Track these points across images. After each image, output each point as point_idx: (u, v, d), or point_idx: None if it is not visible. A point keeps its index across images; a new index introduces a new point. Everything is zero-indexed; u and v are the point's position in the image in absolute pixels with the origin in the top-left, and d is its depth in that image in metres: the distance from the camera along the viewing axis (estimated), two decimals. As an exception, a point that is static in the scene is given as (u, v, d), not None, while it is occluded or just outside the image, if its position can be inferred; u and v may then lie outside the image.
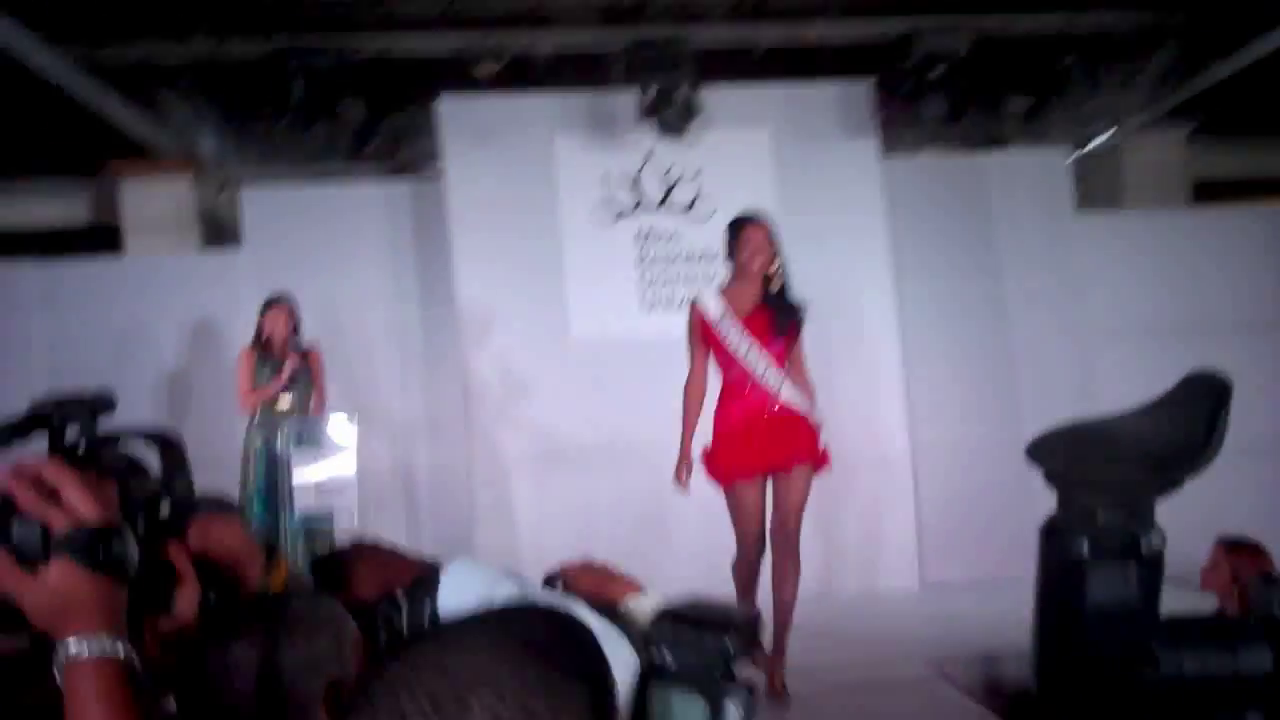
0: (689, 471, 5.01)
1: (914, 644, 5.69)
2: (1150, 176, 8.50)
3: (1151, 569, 1.04)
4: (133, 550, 1.10)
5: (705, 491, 5.04)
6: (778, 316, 4.97)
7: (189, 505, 1.28)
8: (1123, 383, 6.72)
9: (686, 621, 0.95)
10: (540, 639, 0.78)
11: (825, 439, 5.02)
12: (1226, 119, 8.47)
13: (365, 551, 1.63)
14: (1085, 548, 1.06)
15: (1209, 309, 7.76)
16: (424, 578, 1.57)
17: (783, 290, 5.02)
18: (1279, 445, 7.40)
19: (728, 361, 5.02)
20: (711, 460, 5.01)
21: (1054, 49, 7.56)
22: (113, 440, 1.19)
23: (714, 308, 5.04)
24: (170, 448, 1.26)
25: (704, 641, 0.92)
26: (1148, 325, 7.65)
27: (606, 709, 0.78)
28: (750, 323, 4.98)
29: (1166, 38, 7.59)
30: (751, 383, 4.96)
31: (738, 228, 5.09)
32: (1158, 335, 7.37)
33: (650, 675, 0.92)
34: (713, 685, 0.90)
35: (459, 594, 1.48)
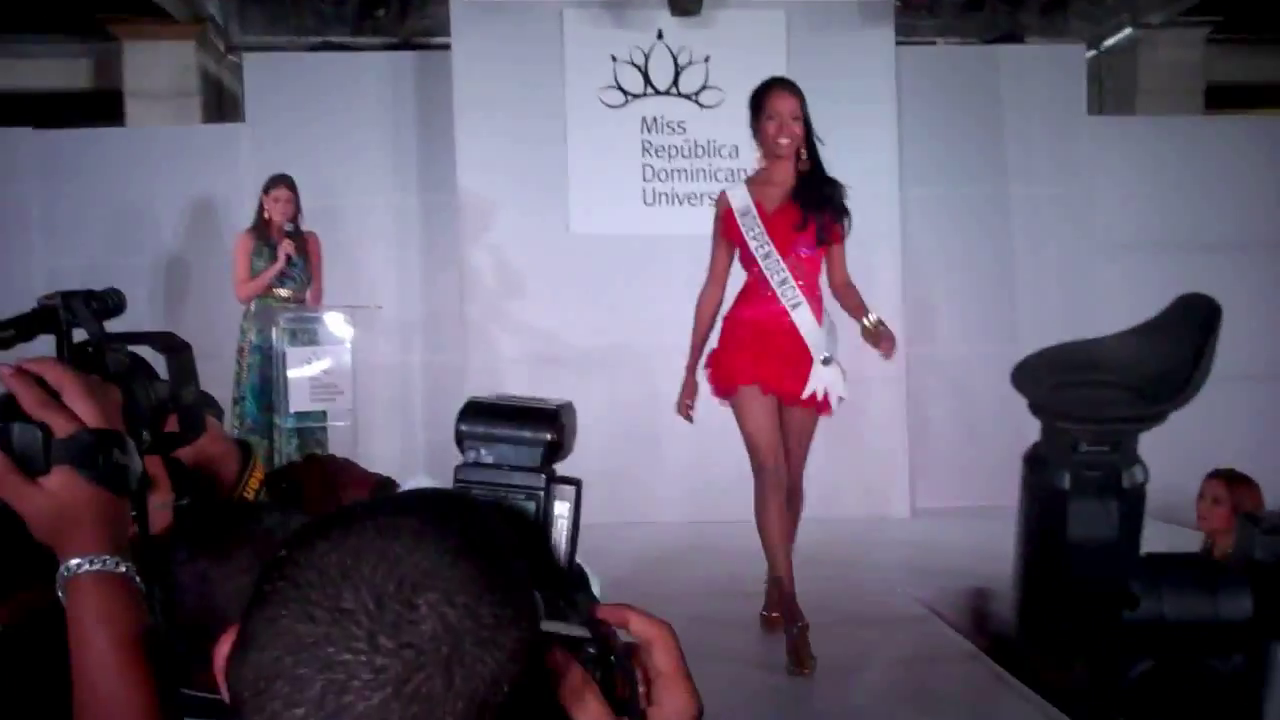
0: (693, 398, 4.44)
1: (902, 574, 5.59)
2: (1165, 79, 8.30)
3: (1133, 504, 1.05)
4: (135, 461, 1.08)
5: (703, 406, 4.54)
6: (806, 213, 4.28)
7: (197, 419, 1.24)
8: (1124, 299, 6.61)
9: (501, 415, 0.87)
10: (480, 536, 0.74)
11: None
12: (1247, 20, 8.26)
13: (320, 466, 1.61)
14: (1066, 480, 1.06)
15: (1216, 224, 7.58)
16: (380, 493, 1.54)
17: (814, 175, 4.34)
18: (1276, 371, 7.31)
19: (749, 260, 4.39)
20: (713, 364, 4.44)
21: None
22: (120, 342, 1.16)
23: (739, 199, 4.38)
24: (177, 354, 1.21)
25: (523, 435, 0.86)
26: (1154, 239, 7.47)
27: (536, 613, 0.75)
28: (775, 222, 4.32)
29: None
30: (770, 289, 4.33)
31: (763, 95, 4.34)
32: (1163, 250, 7.22)
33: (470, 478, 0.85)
34: (537, 482, 0.85)
35: None
